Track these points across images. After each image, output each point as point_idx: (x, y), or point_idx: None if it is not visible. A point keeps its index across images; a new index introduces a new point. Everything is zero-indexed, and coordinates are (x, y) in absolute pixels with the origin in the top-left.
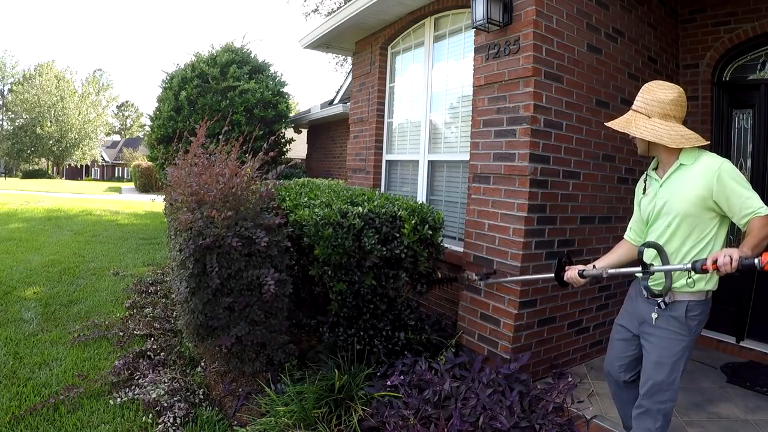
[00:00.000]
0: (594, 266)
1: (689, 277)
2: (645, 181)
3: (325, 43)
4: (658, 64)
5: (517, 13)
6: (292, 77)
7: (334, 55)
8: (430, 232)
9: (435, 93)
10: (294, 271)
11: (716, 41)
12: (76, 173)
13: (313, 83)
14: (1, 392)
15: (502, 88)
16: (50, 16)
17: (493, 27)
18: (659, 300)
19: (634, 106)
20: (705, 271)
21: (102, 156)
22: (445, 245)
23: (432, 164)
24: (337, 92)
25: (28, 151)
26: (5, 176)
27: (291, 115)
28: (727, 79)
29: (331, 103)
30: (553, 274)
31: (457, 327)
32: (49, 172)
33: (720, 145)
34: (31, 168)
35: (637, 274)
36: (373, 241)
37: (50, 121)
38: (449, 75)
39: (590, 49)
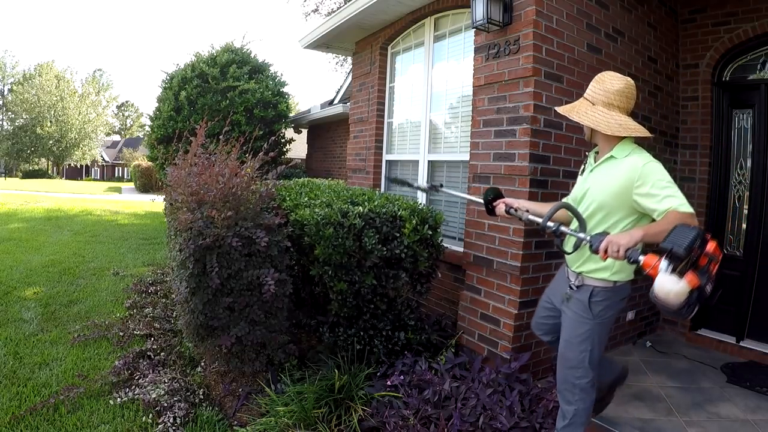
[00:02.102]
0: (517, 209)
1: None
2: (585, 163)
3: (325, 43)
4: (658, 64)
5: (517, 13)
6: (292, 77)
7: (334, 55)
8: (430, 232)
9: (435, 93)
10: (294, 271)
11: (716, 41)
12: (76, 173)
13: (313, 83)
14: (1, 392)
15: (502, 88)
16: (50, 16)
17: (493, 27)
18: (570, 282)
19: (584, 94)
20: (596, 252)
21: (102, 156)
22: (445, 245)
23: (432, 164)
24: (337, 92)
25: (28, 151)
26: (5, 176)
27: (291, 115)
28: (727, 79)
29: (331, 103)
30: (483, 202)
31: (457, 327)
32: (49, 172)
33: (720, 145)
34: (31, 168)
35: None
36: (373, 241)
37: (50, 121)
38: (449, 75)
39: (590, 49)
